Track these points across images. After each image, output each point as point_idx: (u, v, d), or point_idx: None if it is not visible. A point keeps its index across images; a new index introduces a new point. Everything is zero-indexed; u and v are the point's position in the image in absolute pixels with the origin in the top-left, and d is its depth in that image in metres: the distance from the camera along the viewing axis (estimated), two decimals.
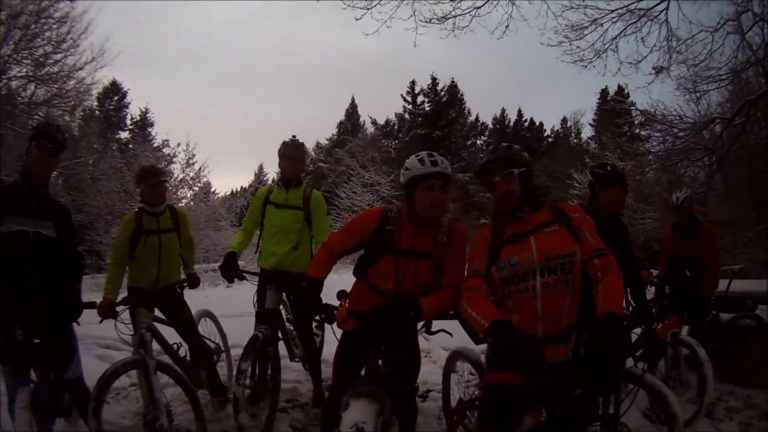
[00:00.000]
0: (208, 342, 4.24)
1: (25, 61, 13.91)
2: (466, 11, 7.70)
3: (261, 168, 43.55)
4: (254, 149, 76.21)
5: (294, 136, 4.28)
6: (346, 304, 2.48)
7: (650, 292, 4.96)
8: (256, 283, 4.07)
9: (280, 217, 4.03)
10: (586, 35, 8.26)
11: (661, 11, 7.76)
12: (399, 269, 2.53)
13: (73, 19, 14.41)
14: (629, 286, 3.45)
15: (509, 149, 2.31)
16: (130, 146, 25.01)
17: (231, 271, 3.96)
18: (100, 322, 3.40)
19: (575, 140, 38.29)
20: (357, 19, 7.62)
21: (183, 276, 4.16)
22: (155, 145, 26.08)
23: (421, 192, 2.46)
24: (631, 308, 3.69)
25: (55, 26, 14.02)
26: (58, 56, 14.42)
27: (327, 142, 41.38)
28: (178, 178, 22.24)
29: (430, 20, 7.75)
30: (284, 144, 4.18)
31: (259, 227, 4.17)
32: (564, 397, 1.97)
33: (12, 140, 13.16)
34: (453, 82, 40.04)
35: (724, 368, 4.76)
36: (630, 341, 3.02)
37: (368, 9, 7.60)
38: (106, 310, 3.38)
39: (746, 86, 10.12)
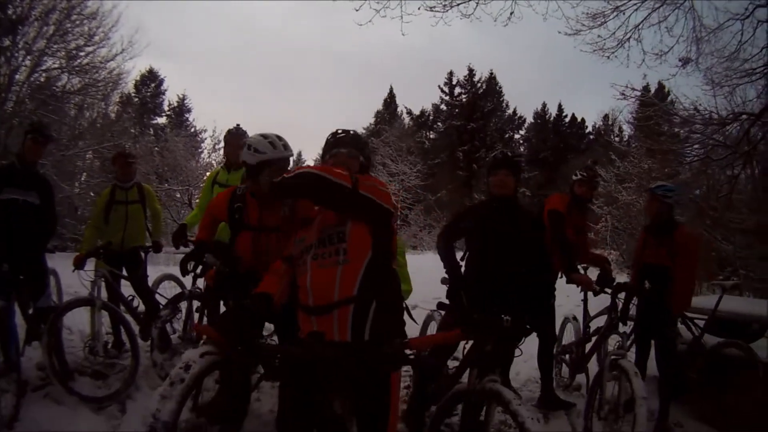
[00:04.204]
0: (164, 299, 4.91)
1: (58, 54, 14.35)
2: None
3: (300, 154, 43.97)
4: (293, 137, 75.81)
5: (238, 125, 4.82)
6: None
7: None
8: None
9: None
10: (606, 22, 7.74)
11: None
12: (255, 244, 2.90)
13: (103, 14, 14.80)
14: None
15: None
16: (166, 131, 25.68)
17: (179, 240, 4.52)
18: (73, 270, 4.31)
19: (616, 138, 36.99)
20: (356, 10, 7.51)
21: (149, 243, 5.07)
22: (191, 131, 26.95)
23: (268, 175, 2.64)
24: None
25: (85, 21, 14.45)
26: (90, 49, 14.81)
27: (364, 131, 41.40)
28: (205, 162, 23.21)
29: (432, 8, 7.47)
30: (228, 132, 4.81)
31: None
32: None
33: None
34: (491, 73, 39.44)
35: (702, 405, 4.17)
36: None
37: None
38: (78, 262, 4.32)
39: None
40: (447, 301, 3.05)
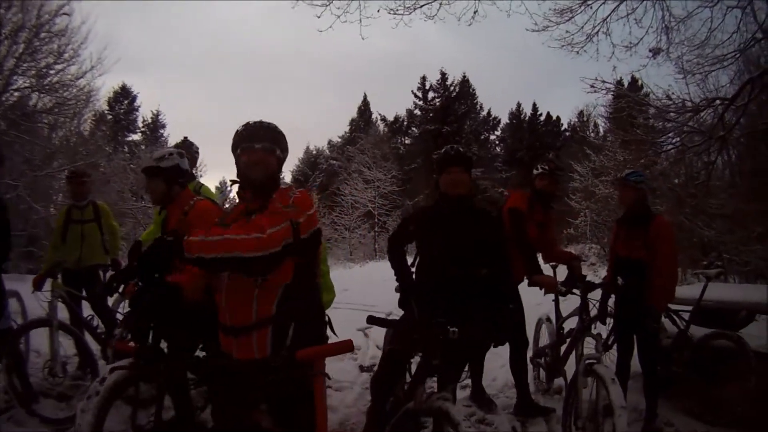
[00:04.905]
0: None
1: (28, 73, 14.25)
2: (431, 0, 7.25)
3: None
4: None
5: (185, 137, 4.85)
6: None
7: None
8: None
9: None
10: (574, 17, 7.57)
11: None
12: None
13: (72, 30, 14.68)
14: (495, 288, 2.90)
15: None
16: (142, 147, 25.38)
17: (135, 257, 4.36)
18: (33, 292, 4.39)
19: (592, 134, 37.22)
20: (318, 17, 7.31)
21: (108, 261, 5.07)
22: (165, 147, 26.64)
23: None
24: None
25: (55, 39, 14.32)
26: (60, 66, 14.69)
27: (339, 140, 41.33)
28: None
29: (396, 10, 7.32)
30: (176, 145, 4.89)
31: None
32: None
33: (18, 147, 13.97)
34: (464, 76, 39.57)
35: (689, 399, 4.00)
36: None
37: (326, 5, 7.27)
38: (36, 283, 4.41)
39: (757, 64, 9.32)
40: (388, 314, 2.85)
